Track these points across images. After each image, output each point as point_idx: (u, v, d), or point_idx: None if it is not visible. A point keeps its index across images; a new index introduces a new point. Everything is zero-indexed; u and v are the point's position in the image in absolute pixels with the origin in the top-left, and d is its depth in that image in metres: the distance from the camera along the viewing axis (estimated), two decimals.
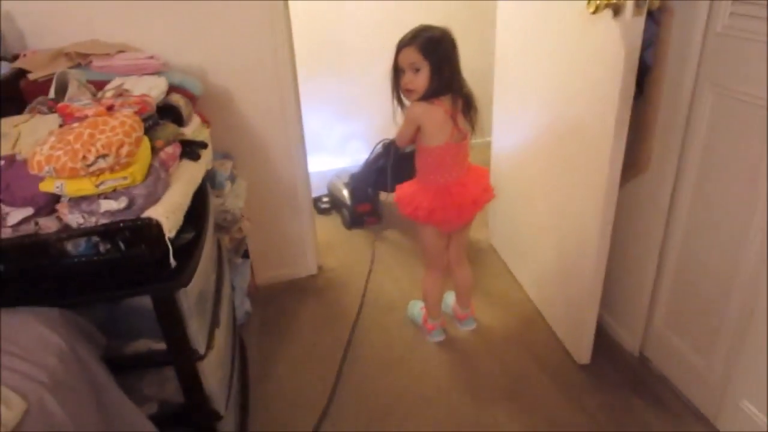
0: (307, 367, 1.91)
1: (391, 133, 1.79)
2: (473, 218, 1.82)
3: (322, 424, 1.68)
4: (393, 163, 2.24)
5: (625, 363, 1.84)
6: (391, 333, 2.05)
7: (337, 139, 3.31)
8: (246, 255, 2.11)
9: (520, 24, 1.97)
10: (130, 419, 1.13)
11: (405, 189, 1.81)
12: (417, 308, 2.10)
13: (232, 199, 1.82)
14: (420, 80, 1.58)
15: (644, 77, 1.52)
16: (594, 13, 1.36)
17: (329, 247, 2.59)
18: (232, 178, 1.87)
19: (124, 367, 1.27)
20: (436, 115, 1.62)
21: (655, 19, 1.45)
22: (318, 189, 2.69)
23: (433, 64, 1.56)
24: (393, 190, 1.87)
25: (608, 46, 1.41)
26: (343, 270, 2.43)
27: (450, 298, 2.12)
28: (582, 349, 1.81)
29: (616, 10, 1.35)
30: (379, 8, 3.04)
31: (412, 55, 1.57)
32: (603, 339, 1.86)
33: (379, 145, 2.60)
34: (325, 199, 2.96)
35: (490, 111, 2.31)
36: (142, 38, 1.72)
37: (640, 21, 1.33)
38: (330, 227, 2.80)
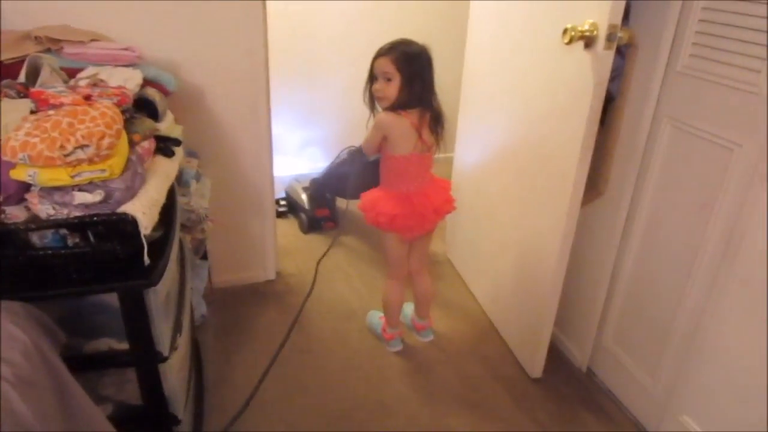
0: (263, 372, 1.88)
1: (352, 142, 1.84)
2: (435, 227, 1.88)
3: (278, 429, 1.67)
4: (357, 171, 2.27)
5: (574, 377, 1.92)
6: (350, 341, 2.06)
7: (297, 143, 3.30)
8: (205, 256, 2.07)
9: (491, 43, 2.05)
10: (91, 419, 1.09)
11: (368, 195, 1.85)
12: (376, 318, 2.11)
13: (197, 198, 1.78)
14: (390, 90, 1.65)
15: (607, 107, 1.61)
16: (568, 43, 1.43)
17: (287, 252, 2.58)
18: (198, 177, 1.84)
19: (83, 366, 1.23)
20: (401, 126, 1.68)
21: (622, 53, 1.54)
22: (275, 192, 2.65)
23: (405, 77, 1.63)
24: (354, 197, 1.90)
25: (579, 75, 1.49)
26: (301, 276, 2.42)
27: (408, 309, 2.15)
28: (535, 363, 1.88)
29: (588, 43, 1.43)
30: (347, 19, 3.08)
31: (386, 65, 1.64)
32: (553, 353, 1.94)
33: (345, 152, 2.62)
34: (282, 203, 2.96)
35: (455, 126, 2.37)
36: (115, 28, 1.67)
37: (610, 54, 1.41)
38: (287, 231, 2.79)
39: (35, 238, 1.09)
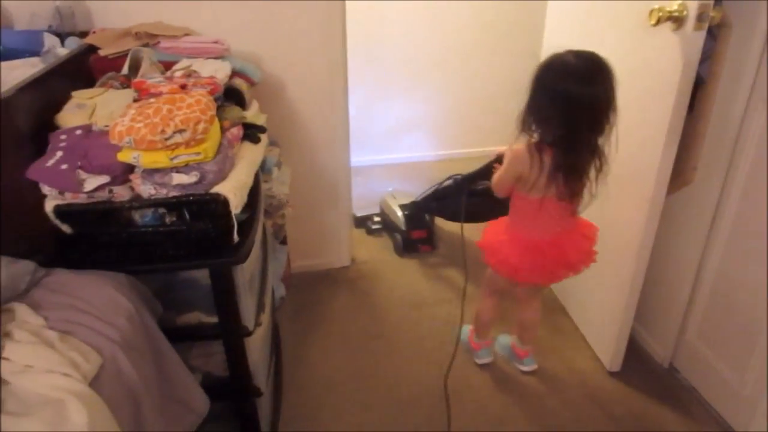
0: (338, 354, 1.95)
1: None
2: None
3: (350, 410, 1.72)
4: (464, 199, 1.98)
5: (655, 373, 1.85)
6: (421, 329, 2.08)
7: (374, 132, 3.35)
8: (284, 241, 2.15)
9: (569, 29, 2.00)
10: (185, 384, 1.18)
11: (492, 235, 1.63)
12: (467, 329, 1.97)
13: (278, 185, 1.86)
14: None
15: (696, 91, 1.54)
16: (655, 24, 1.38)
17: (361, 240, 2.63)
18: (279, 165, 1.92)
19: (175, 337, 1.32)
20: (537, 165, 1.40)
21: (712, 33, 1.46)
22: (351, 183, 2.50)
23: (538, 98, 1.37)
24: (463, 220, 1.72)
25: (665, 57, 1.43)
26: (374, 263, 2.47)
27: (505, 340, 1.95)
28: (613, 357, 1.83)
29: (677, 24, 1.38)
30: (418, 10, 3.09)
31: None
32: (633, 348, 1.88)
33: (450, 180, 2.27)
34: (377, 219, 2.71)
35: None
36: (202, 23, 1.78)
37: (701, 35, 1.35)
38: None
39: (136, 216, 1.18)
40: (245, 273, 1.29)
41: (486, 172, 1.63)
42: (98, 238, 1.18)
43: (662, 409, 1.71)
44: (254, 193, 1.40)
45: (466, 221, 1.75)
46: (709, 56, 1.50)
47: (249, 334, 1.35)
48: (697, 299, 1.71)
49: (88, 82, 1.47)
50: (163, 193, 1.14)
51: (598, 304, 1.91)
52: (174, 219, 1.18)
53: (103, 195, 1.14)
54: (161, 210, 1.17)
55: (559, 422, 1.68)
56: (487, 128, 3.36)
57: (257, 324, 1.40)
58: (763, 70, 1.40)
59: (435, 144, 3.48)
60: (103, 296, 1.05)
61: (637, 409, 1.72)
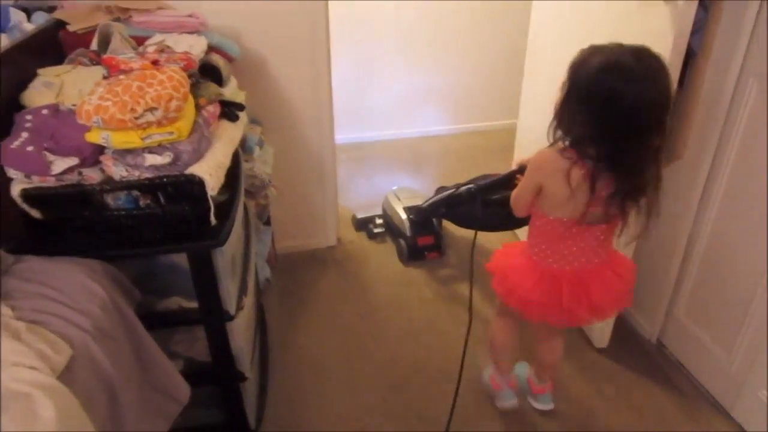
0: (326, 335, 1.92)
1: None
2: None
3: (338, 393, 1.71)
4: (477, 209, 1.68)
5: (642, 349, 1.85)
6: (410, 308, 2.06)
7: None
8: (268, 222, 2.11)
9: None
10: (163, 371, 1.15)
11: (504, 258, 1.41)
12: (488, 371, 1.70)
13: (260, 164, 1.81)
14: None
15: (687, 64, 1.50)
16: None
17: (348, 218, 2.59)
18: (261, 144, 1.87)
19: (155, 324, 1.28)
20: (564, 178, 1.14)
21: (705, 5, 1.42)
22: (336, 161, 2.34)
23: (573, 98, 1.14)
24: (482, 227, 1.50)
25: (656, 29, 1.39)
26: (361, 242, 2.43)
27: (522, 370, 1.71)
28: (601, 333, 1.82)
29: None
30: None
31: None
32: (621, 324, 1.87)
33: (464, 189, 1.76)
34: (379, 221, 2.48)
35: (519, 92, 2.30)
36: None
37: (693, 6, 1.31)
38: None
39: (110, 200, 1.13)
40: (225, 256, 1.25)
41: (505, 182, 1.46)
42: (70, 223, 1.13)
43: (650, 385, 1.71)
44: (234, 173, 1.36)
45: (480, 229, 1.54)
46: (700, 27, 1.46)
47: (231, 318, 1.32)
48: (686, 275, 1.70)
49: (58, 59, 1.40)
50: (135, 174, 1.09)
51: None
52: (149, 202, 1.14)
53: (72, 178, 1.09)
54: (135, 193, 1.13)
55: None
56: (486, 103, 3.31)
57: (239, 308, 1.36)
58: (755, 42, 1.36)
59: (444, 118, 3.41)
60: (75, 284, 1.01)
61: (625, 385, 1.71)
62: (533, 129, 2.25)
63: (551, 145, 1.18)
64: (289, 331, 1.94)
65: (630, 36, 1.50)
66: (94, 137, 1.06)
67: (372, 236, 2.45)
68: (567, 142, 1.16)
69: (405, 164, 3.15)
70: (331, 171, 2.25)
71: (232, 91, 1.48)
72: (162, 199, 1.13)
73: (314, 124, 2.11)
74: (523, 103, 2.31)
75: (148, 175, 1.09)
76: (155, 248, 1.18)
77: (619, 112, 1.06)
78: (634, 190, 1.14)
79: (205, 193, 1.11)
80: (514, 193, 1.29)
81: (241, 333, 1.38)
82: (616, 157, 1.10)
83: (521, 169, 1.37)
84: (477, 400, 1.67)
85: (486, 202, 1.52)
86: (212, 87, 1.29)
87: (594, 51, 1.11)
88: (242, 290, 1.44)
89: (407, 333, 1.94)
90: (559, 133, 1.16)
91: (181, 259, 1.31)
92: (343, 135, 2.90)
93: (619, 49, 1.08)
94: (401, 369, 1.79)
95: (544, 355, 1.57)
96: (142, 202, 1.14)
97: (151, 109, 1.03)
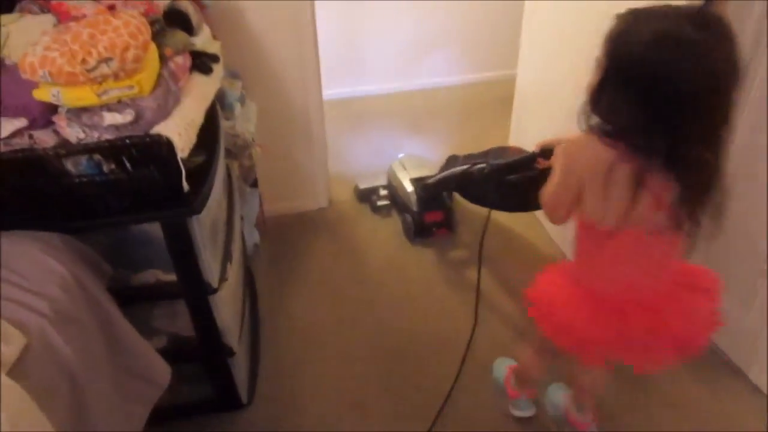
0: (318, 303, 1.83)
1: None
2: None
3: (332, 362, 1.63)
4: (494, 188, 1.55)
5: None
6: (407, 272, 1.97)
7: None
8: (255, 184, 1.99)
9: None
10: (139, 353, 1.05)
11: (549, 285, 1.15)
12: (503, 366, 1.55)
13: (242, 122, 1.68)
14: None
15: None
16: None
17: (340, 178, 2.46)
18: (242, 100, 1.73)
19: (131, 299, 1.18)
20: (609, 173, 0.91)
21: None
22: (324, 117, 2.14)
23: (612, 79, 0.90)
24: (495, 206, 1.34)
25: None
26: (354, 204, 2.32)
27: (557, 396, 1.47)
28: None
29: None
30: None
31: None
32: None
33: (476, 168, 1.72)
34: (383, 193, 2.27)
35: (518, 40, 2.14)
36: None
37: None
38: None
39: (69, 165, 1.01)
40: (204, 224, 1.14)
41: (524, 164, 1.32)
42: (25, 193, 1.01)
43: None
44: (211, 132, 1.23)
45: (493, 208, 1.42)
46: None
47: (214, 291, 1.22)
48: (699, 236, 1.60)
49: (10, 8, 1.25)
50: (94, 136, 0.97)
51: None
52: (113, 167, 1.01)
53: (22, 142, 0.96)
54: (97, 157, 1.00)
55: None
56: (488, 52, 3.11)
57: (223, 279, 1.26)
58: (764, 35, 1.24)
59: (447, 69, 3.17)
60: (31, 262, 0.90)
61: None
62: (533, 79, 2.11)
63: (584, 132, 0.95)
64: (280, 299, 1.84)
65: None
66: (43, 94, 0.93)
67: (375, 209, 2.25)
68: (604, 131, 0.92)
69: (404, 122, 2.93)
70: (319, 128, 2.11)
71: (204, 40, 1.33)
72: (128, 164, 1.00)
73: (299, 78, 1.96)
74: (523, 51, 2.16)
75: (108, 136, 0.97)
76: (123, 218, 1.07)
77: (680, 97, 0.83)
78: (704, 191, 0.90)
79: (175, 156, 0.98)
80: (546, 191, 1.03)
81: (226, 305, 1.29)
82: (677, 150, 0.86)
83: (544, 153, 1.18)
84: (478, 373, 1.60)
85: (501, 183, 1.35)
86: (180, 35, 1.15)
87: (638, 18, 0.86)
88: (226, 259, 1.34)
89: (404, 298, 1.85)
90: (595, 119, 0.93)
91: (155, 229, 1.19)
92: (332, 90, 2.74)
93: (672, 13, 0.83)
94: (398, 337, 1.71)
95: (585, 381, 1.35)
96: (105, 168, 1.01)
97: (106, 60, 0.90)
